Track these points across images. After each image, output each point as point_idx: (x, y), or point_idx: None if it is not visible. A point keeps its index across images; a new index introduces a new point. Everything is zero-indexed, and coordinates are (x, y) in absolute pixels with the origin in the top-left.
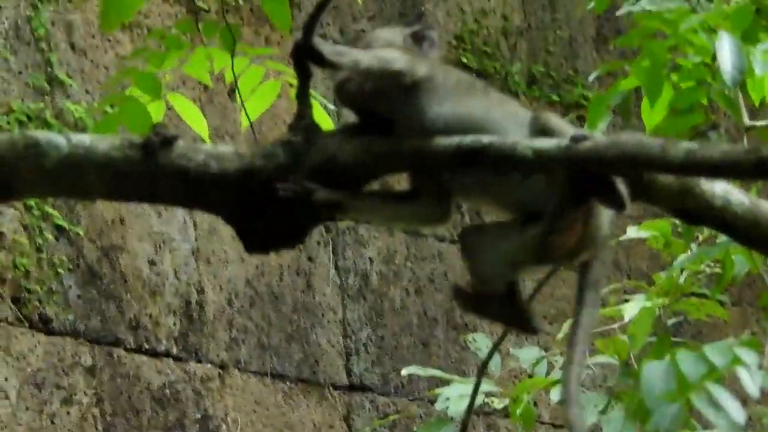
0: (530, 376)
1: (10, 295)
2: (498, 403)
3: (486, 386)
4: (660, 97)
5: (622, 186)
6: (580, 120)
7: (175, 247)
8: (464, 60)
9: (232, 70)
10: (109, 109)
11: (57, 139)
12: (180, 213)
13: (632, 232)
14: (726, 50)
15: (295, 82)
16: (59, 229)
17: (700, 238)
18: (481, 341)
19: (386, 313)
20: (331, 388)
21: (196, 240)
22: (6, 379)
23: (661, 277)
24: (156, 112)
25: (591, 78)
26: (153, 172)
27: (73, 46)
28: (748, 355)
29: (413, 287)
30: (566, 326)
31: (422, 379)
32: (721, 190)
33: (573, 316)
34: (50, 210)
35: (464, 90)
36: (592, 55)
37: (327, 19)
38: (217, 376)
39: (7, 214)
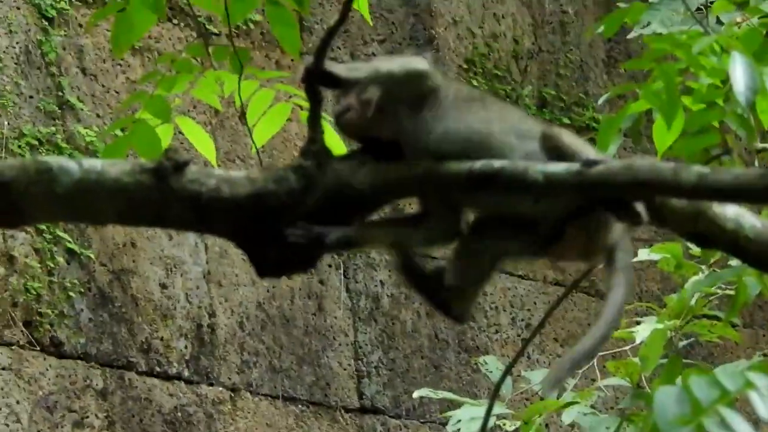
0: (542, 399)
1: (21, 318)
2: (510, 426)
3: (498, 408)
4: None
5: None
6: (591, 143)
7: (187, 270)
8: (475, 83)
9: (239, 93)
10: (119, 133)
11: (69, 164)
12: (191, 236)
13: (643, 254)
14: (739, 70)
15: (305, 104)
16: (71, 253)
17: (711, 260)
18: (492, 364)
19: (397, 335)
20: (342, 411)
21: (207, 263)
22: (18, 402)
23: (673, 299)
24: (165, 135)
25: (601, 101)
26: (165, 197)
27: (83, 71)
28: (759, 379)
29: (424, 310)
30: None
31: (434, 401)
32: (733, 213)
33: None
34: (62, 234)
35: (469, 104)
36: (602, 78)
37: (337, 43)
38: (228, 399)
39: (19, 238)
